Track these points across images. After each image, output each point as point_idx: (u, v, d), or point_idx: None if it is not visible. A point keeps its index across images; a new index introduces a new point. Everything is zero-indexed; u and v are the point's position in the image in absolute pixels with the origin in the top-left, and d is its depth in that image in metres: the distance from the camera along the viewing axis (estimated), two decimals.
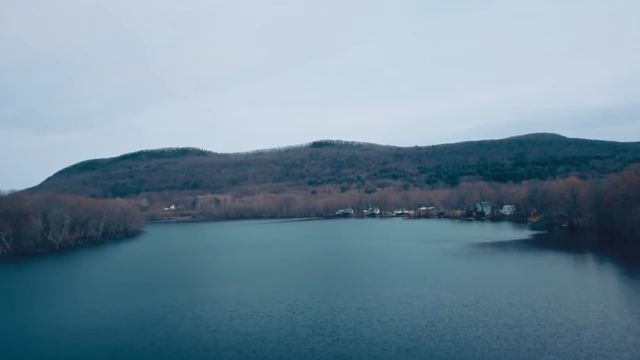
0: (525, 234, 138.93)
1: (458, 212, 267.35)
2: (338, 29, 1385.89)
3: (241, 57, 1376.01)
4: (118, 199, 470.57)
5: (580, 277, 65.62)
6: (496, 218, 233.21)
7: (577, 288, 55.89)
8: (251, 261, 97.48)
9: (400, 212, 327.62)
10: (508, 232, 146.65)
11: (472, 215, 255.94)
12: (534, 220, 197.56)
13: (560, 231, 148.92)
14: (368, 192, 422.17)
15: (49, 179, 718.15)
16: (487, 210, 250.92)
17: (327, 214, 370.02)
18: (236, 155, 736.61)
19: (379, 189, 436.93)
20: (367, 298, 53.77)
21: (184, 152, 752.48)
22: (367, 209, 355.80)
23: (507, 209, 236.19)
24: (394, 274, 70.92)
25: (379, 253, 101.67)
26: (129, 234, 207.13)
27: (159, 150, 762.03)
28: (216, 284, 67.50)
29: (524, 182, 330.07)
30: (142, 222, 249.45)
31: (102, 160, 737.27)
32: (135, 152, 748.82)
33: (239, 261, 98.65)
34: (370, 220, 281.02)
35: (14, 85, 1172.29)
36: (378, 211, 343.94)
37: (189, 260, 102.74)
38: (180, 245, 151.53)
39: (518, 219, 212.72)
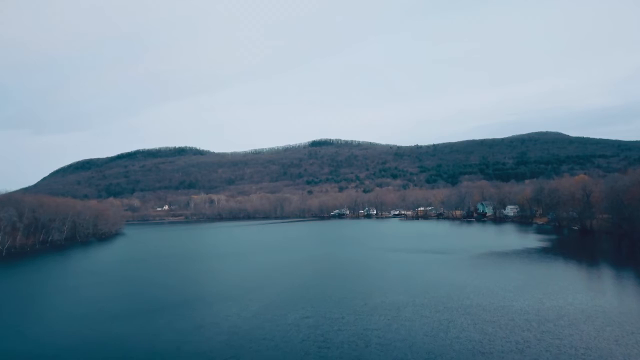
0: (532, 239, 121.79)
1: (458, 212, 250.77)
2: (338, 30, 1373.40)
3: (241, 58, 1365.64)
4: (111, 199, 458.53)
5: (618, 310, 48.90)
6: (498, 219, 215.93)
7: (616, 333, 39.41)
8: (196, 279, 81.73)
9: (397, 212, 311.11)
10: (512, 238, 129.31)
11: (472, 216, 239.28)
12: (540, 222, 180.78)
13: (571, 235, 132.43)
14: (365, 192, 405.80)
15: (44, 179, 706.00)
16: (489, 211, 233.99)
17: (322, 214, 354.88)
18: (233, 154, 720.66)
19: (377, 188, 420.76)
20: (322, 346, 37.49)
21: (181, 152, 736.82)
22: (363, 210, 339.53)
23: (510, 210, 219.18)
24: (364, 302, 54.50)
25: (355, 266, 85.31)
26: (101, 237, 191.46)
27: (156, 149, 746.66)
28: (130, 315, 51.42)
29: (527, 181, 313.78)
30: (119, 224, 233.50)
31: (97, 159, 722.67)
32: (131, 152, 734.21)
33: (183, 278, 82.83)
34: (365, 222, 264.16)
35: (13, 86, 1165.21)
36: (374, 212, 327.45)
37: (136, 275, 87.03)
38: (148, 251, 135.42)
39: (522, 221, 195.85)
